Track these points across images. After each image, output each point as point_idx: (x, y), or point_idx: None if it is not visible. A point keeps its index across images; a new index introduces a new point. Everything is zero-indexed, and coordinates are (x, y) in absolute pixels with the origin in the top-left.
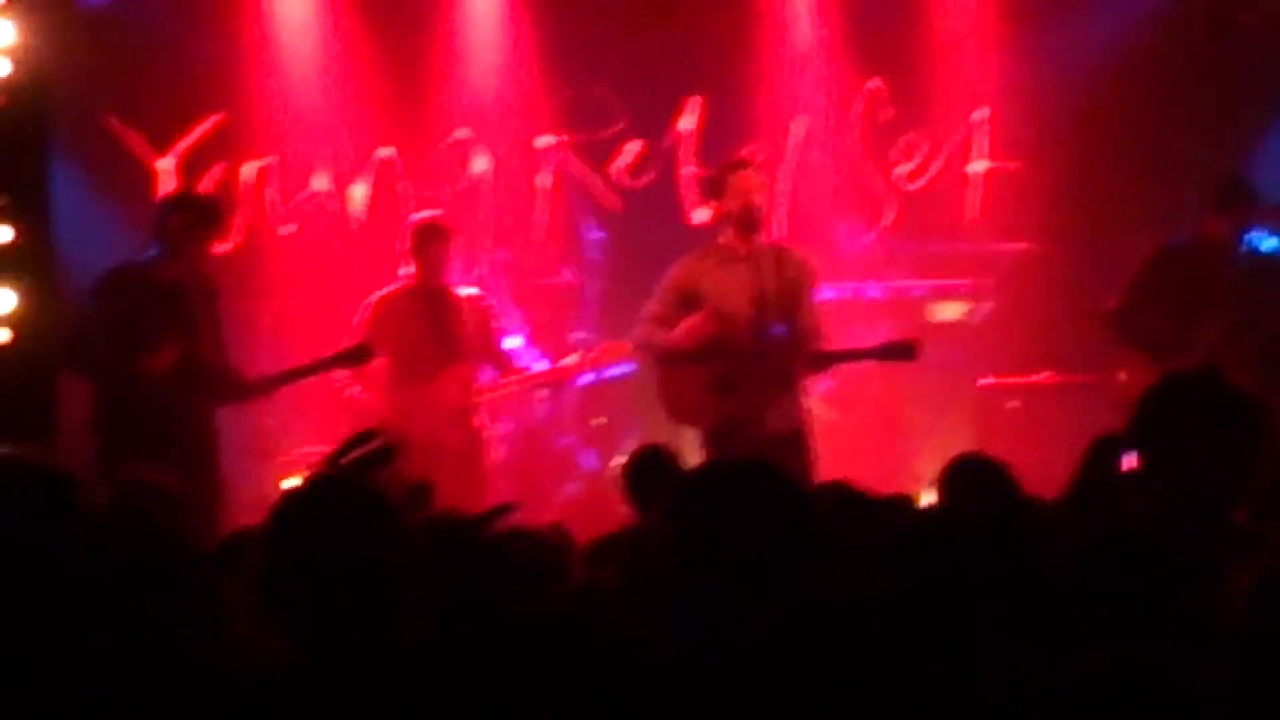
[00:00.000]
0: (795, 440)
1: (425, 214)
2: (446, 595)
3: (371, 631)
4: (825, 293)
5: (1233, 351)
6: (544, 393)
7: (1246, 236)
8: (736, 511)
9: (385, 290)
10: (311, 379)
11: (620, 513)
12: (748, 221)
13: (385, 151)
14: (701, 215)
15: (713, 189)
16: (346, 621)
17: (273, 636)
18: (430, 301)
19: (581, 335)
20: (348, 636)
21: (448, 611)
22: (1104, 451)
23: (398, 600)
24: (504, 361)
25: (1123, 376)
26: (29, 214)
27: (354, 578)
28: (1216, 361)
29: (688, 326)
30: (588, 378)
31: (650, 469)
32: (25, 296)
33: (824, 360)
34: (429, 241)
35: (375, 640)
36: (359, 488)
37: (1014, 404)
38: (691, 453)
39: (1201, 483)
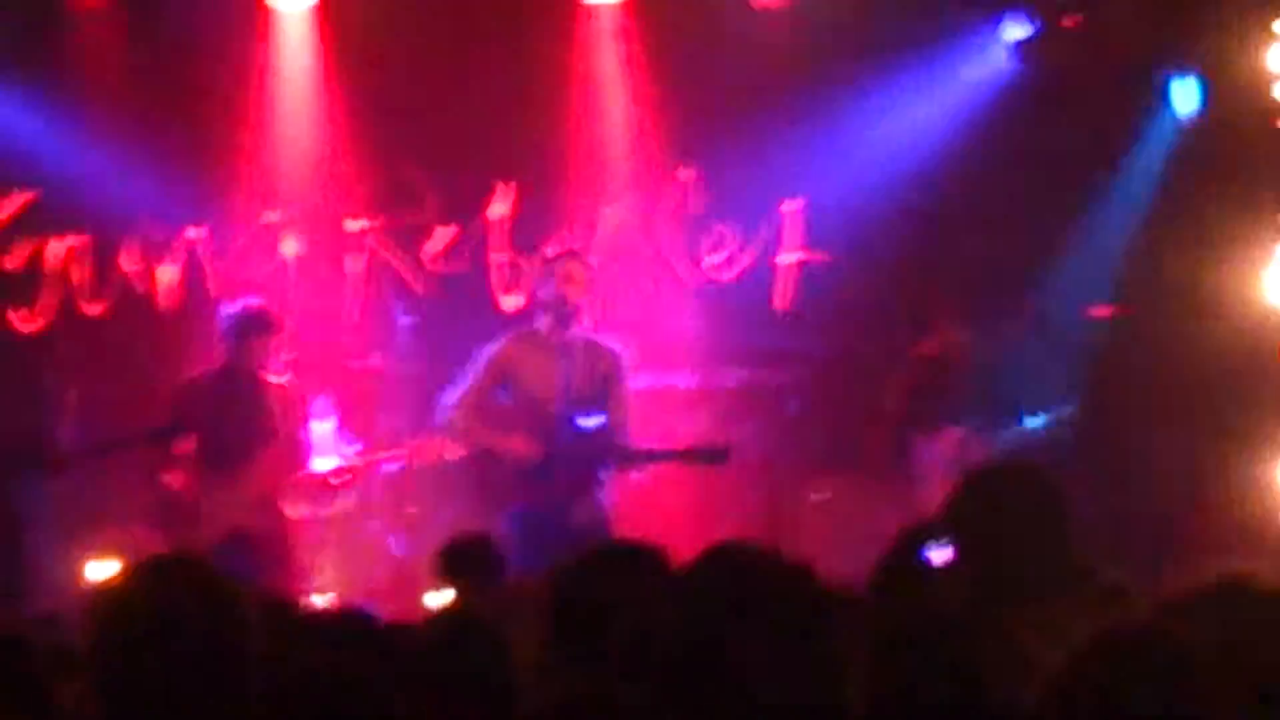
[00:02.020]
0: (599, 532)
1: (250, 301)
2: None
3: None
4: (636, 382)
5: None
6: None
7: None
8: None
9: (195, 373)
10: (121, 456)
11: (429, 599)
12: (562, 312)
13: (195, 232)
14: (512, 302)
15: (539, 274)
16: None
17: None
18: (240, 386)
19: (392, 420)
20: None
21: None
22: (909, 541)
23: (240, 688)
24: (304, 452)
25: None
26: None
27: (195, 666)
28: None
29: (521, 449)
30: (394, 466)
31: (467, 557)
32: None
33: (635, 458)
34: (254, 332)
35: None
36: (197, 570)
37: (821, 496)
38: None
39: (1012, 572)
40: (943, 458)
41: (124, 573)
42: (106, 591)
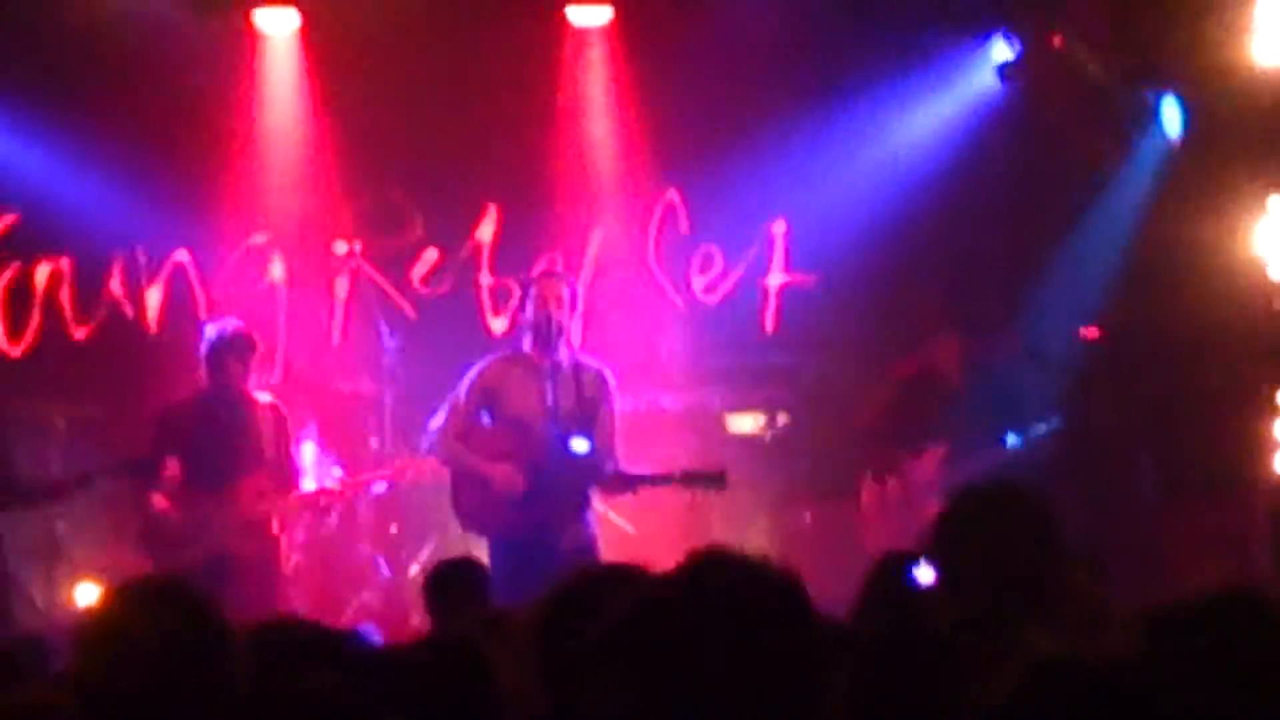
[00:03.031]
0: (586, 557)
1: (228, 323)
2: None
3: None
4: (622, 404)
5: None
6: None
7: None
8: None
9: (180, 396)
10: (106, 484)
11: (416, 621)
12: (546, 333)
13: (181, 255)
14: (498, 325)
15: (521, 296)
16: None
17: None
18: (225, 409)
19: (378, 443)
20: None
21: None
22: (891, 566)
23: (225, 710)
24: (293, 473)
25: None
26: None
27: (180, 688)
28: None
29: (504, 479)
30: (381, 486)
31: (452, 581)
32: None
33: (630, 483)
34: (232, 353)
35: None
36: (182, 592)
37: (808, 516)
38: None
39: (997, 595)
40: (927, 477)
41: (109, 596)
42: (92, 615)
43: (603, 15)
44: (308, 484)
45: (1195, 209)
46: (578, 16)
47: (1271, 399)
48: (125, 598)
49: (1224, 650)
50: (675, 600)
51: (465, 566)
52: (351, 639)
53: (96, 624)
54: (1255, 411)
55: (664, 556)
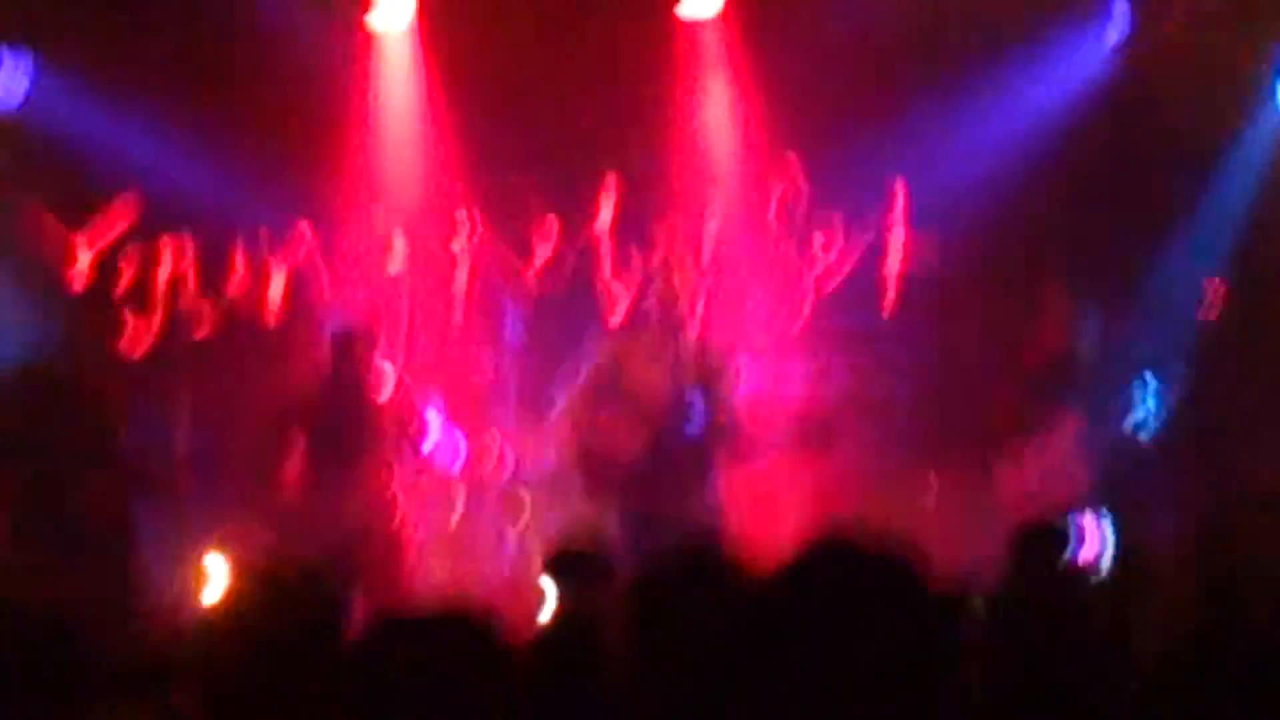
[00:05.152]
0: (710, 531)
1: (352, 315)
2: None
3: None
4: (745, 379)
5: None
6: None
7: None
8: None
9: (304, 379)
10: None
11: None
12: (669, 322)
13: (302, 237)
14: (621, 294)
15: (643, 283)
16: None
17: None
18: (350, 395)
19: (500, 428)
20: None
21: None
22: (1038, 539)
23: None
24: (419, 460)
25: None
26: None
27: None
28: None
29: (628, 451)
30: (507, 468)
31: (576, 561)
32: None
33: (743, 450)
34: (356, 344)
35: None
36: (302, 582)
37: (932, 488)
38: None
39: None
40: (1066, 447)
41: (237, 582)
42: (221, 603)
43: (713, 6)
44: (433, 464)
45: None
46: (688, 9)
47: None
48: (254, 586)
49: None
50: (785, 597)
51: (588, 546)
52: (476, 625)
53: (224, 612)
54: None
55: (789, 528)
